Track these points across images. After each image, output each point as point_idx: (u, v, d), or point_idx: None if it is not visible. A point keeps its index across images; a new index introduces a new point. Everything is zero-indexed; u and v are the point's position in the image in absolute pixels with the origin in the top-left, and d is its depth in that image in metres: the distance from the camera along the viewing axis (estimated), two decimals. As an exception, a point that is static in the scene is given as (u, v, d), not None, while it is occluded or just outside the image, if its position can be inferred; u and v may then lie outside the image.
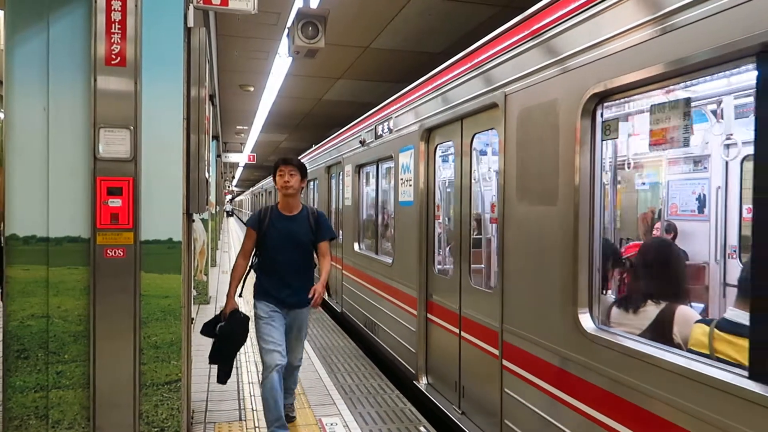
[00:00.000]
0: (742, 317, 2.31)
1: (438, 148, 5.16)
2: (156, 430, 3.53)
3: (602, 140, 2.96)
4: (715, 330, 2.47)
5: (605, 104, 2.94)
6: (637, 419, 2.58)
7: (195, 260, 8.30)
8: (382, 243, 7.35)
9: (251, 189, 42.87)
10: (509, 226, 3.69)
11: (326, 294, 8.91)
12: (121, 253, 3.37)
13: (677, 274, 3.29)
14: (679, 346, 2.76)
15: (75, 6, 3.31)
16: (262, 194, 30.41)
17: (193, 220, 4.38)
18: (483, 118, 4.22)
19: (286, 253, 4.20)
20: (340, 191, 8.93)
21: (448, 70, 4.77)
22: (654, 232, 5.39)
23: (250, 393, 5.04)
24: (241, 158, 21.32)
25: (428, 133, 5.25)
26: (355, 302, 7.91)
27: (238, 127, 17.18)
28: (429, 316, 5.22)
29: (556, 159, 3.15)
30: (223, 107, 13.35)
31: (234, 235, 31.07)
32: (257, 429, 4.28)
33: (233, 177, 38.57)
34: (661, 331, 2.92)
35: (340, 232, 8.82)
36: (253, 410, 4.64)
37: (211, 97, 8.41)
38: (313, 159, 11.69)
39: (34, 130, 3.32)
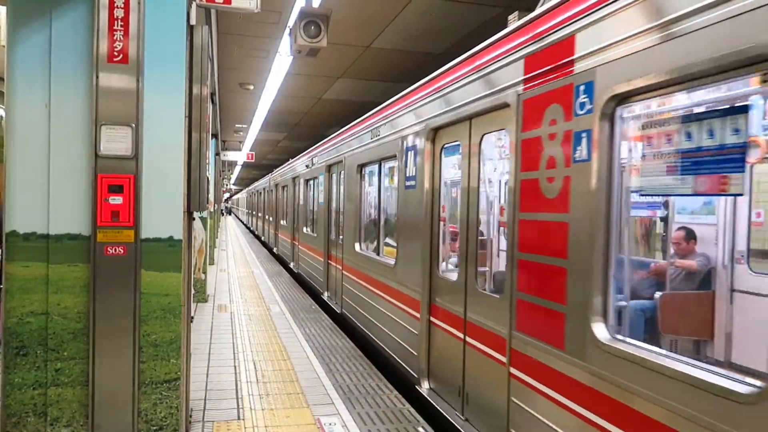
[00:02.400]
0: None
1: (333, 175, 9.93)
2: (155, 428, 3.52)
3: (364, 182, 7.75)
4: None
5: (365, 168, 7.75)
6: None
7: (194, 259, 8.29)
8: (315, 227, 12.13)
9: (248, 188, 42.82)
10: (347, 214, 8.44)
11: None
12: (122, 251, 3.37)
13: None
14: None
15: (78, 3, 3.31)
16: (255, 194, 30.40)
17: (194, 219, 4.37)
18: (340, 166, 9.02)
19: None
20: (299, 196, 14.15)
21: (331, 138, 10.16)
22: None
23: (248, 392, 5.03)
24: (239, 156, 21.29)
25: (328, 168, 10.12)
26: (305, 260, 13.13)
27: (237, 125, 17.15)
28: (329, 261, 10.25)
29: (356, 188, 7.86)
30: (223, 105, 13.32)
31: (231, 233, 31.03)
32: (255, 428, 4.27)
33: (231, 175, 38.53)
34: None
35: (294, 219, 15.02)
36: (251, 409, 4.63)
37: (211, 95, 8.39)
38: (283, 173, 17.87)
39: (35, 126, 3.31)
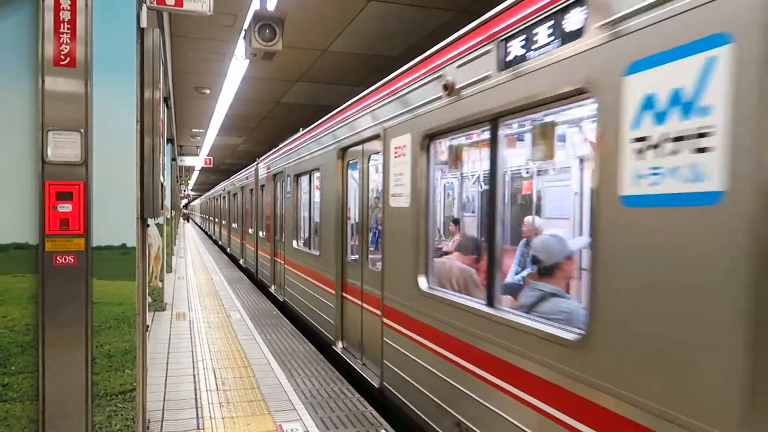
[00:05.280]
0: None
1: (261, 187, 13.22)
2: (110, 441, 3.43)
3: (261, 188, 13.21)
4: None
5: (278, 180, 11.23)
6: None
7: (150, 266, 8.10)
8: (232, 224, 18.65)
9: (207, 193, 42.04)
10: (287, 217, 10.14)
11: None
12: (72, 260, 3.27)
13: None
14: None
15: (22, 4, 3.20)
16: (219, 198, 29.84)
17: (148, 225, 4.28)
18: (256, 182, 13.72)
19: None
20: (232, 204, 19.70)
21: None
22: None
23: (208, 401, 4.94)
24: (197, 162, 20.94)
25: (259, 182, 13.59)
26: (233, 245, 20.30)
27: (194, 130, 16.86)
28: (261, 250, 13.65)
29: (274, 197, 11.23)
30: (179, 110, 13.08)
31: (190, 240, 30.43)
32: (216, 437, 4.21)
33: (189, 181, 37.78)
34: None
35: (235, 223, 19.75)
36: (211, 418, 4.55)
37: (166, 100, 8.23)
38: (224, 187, 24.13)
39: (-23, 132, 3.19)
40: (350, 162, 6.44)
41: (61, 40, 3.20)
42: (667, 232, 2.11)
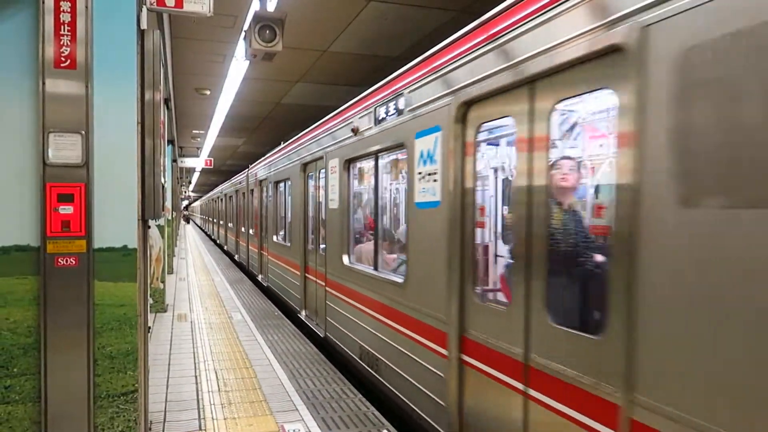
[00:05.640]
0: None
1: (251, 191, 15.32)
2: (112, 443, 3.43)
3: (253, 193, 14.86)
4: None
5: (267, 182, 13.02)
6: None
7: (151, 267, 8.10)
8: (228, 223, 22.04)
9: (209, 194, 42.06)
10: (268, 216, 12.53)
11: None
12: (74, 262, 3.27)
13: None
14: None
15: (22, 6, 3.21)
16: (219, 200, 29.98)
17: (149, 227, 4.28)
18: (247, 186, 15.91)
19: None
20: (228, 205, 22.28)
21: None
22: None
23: (210, 401, 4.95)
24: (197, 163, 20.95)
25: (249, 186, 15.65)
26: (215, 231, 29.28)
27: (194, 131, 16.86)
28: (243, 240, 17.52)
29: (260, 200, 13.36)
30: (179, 111, 13.08)
31: (191, 241, 30.43)
32: (218, 438, 4.21)
33: (190, 182, 37.83)
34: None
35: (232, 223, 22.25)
36: (213, 419, 4.55)
37: (166, 101, 8.23)
38: (223, 190, 26.27)
39: (-22, 134, 3.19)
40: (309, 174, 8.54)
41: (61, 42, 3.20)
42: (427, 221, 4.26)
